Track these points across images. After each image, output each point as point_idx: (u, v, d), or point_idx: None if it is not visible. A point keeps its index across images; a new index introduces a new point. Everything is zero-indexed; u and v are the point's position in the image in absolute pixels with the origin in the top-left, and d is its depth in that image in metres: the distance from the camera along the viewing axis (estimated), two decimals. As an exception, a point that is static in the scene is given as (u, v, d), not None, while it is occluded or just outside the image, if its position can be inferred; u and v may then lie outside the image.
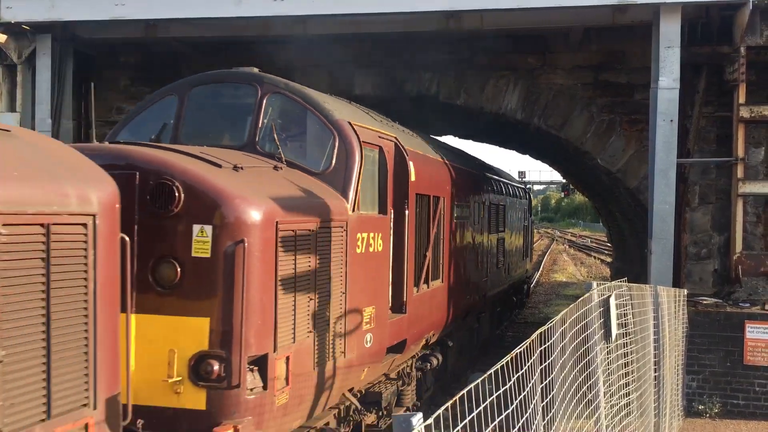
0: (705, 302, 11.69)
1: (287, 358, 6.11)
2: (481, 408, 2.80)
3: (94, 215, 4.21)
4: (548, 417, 3.91)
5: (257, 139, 7.46)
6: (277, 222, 5.98)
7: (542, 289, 30.55)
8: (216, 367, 5.53)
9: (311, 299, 6.58)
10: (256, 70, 8.04)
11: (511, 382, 3.20)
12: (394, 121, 10.73)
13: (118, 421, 4.47)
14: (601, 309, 5.64)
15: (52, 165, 4.26)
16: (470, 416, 2.73)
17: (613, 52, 13.88)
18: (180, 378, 5.59)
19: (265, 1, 11.89)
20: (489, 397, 2.94)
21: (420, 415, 2.26)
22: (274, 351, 5.93)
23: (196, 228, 5.67)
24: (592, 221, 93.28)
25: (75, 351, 4.06)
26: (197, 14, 11.72)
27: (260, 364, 5.86)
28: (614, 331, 5.86)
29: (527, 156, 25.76)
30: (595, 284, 5.56)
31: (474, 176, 14.16)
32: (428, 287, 10.09)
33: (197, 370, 5.58)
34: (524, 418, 3.34)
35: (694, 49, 12.37)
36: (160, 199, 5.66)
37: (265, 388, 5.84)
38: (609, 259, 33.20)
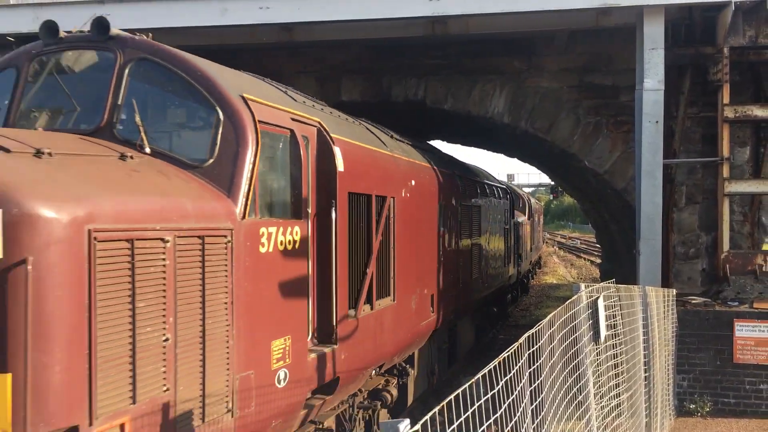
0: (694, 301, 11.75)
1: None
2: (469, 412, 2.81)
3: None
4: (538, 419, 3.92)
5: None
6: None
7: (533, 291, 30.57)
8: None
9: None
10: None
11: (500, 385, 3.21)
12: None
13: None
14: (590, 311, 5.66)
15: None
16: (459, 420, 2.74)
17: (598, 55, 13.95)
18: None
19: (250, 9, 11.84)
20: (478, 401, 2.95)
21: (407, 421, 2.26)
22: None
23: None
24: (582, 223, 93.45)
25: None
26: (181, 23, 11.66)
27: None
28: (603, 332, 5.89)
29: (515, 159, 25.96)
30: (583, 286, 5.58)
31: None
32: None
33: None
34: (513, 422, 3.35)
35: (677, 50, 12.46)
36: None
37: None
38: (599, 260, 33.34)
